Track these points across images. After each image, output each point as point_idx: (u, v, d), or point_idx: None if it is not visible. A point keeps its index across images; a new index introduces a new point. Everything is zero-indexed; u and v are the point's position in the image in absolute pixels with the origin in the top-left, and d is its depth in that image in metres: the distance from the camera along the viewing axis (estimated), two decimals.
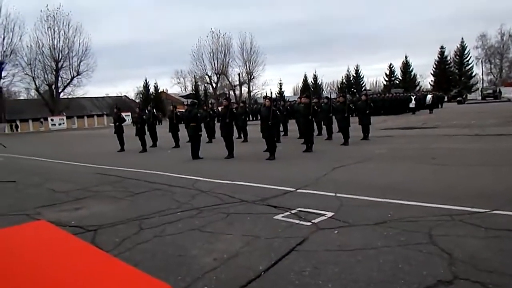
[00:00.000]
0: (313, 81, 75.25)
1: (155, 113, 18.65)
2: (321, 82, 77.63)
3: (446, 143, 11.73)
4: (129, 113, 57.82)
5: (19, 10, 66.19)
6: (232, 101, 17.15)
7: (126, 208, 6.13)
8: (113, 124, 16.66)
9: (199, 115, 12.39)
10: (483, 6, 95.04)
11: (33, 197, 7.35)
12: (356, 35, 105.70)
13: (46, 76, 54.17)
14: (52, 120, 52.49)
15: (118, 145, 15.66)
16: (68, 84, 55.99)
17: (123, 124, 16.01)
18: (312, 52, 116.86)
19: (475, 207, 4.84)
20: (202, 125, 13.84)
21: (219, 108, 20.20)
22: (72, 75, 55.34)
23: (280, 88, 73.53)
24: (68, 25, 53.35)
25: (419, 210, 4.95)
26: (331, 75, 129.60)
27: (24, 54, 51.01)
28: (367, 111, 13.96)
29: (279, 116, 11.28)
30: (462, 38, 66.16)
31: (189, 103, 13.17)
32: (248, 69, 64.63)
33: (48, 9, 51.89)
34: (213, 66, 62.95)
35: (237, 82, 66.13)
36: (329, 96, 17.03)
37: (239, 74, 65.44)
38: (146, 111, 17.08)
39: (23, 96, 63.31)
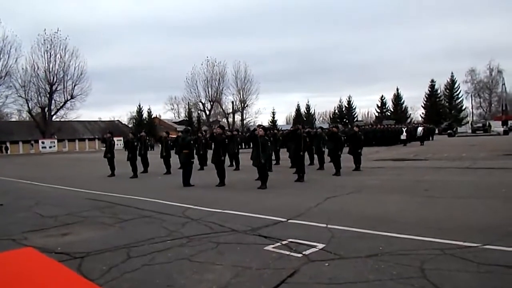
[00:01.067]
0: (306, 111, 76.05)
1: (147, 139, 18.64)
2: (314, 112, 78.59)
3: (438, 175, 11.80)
4: (121, 138, 57.80)
5: (17, 33, 66.80)
6: (225, 128, 17.13)
7: (114, 235, 6.02)
8: (104, 149, 16.62)
9: (191, 142, 12.38)
10: (472, 41, 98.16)
11: (21, 221, 7.21)
12: (349, 66, 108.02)
13: (39, 98, 54.27)
14: (43, 142, 52.12)
15: (109, 170, 15.55)
16: (61, 107, 56.09)
17: (114, 149, 15.95)
18: (305, 81, 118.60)
19: (467, 241, 4.83)
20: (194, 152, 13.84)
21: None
22: (65, 99, 55.53)
23: (273, 117, 74.21)
24: (65, 49, 53.94)
25: (410, 243, 4.92)
26: (323, 105, 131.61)
27: (19, 76, 51.33)
28: (359, 142, 14.10)
29: (270, 146, 11.28)
30: (452, 73, 67.98)
31: (182, 130, 13.21)
32: (241, 97, 65.29)
33: (45, 33, 52.55)
34: (207, 93, 63.57)
35: (231, 110, 66.62)
36: (322, 126, 17.24)
37: (232, 102, 66.07)
38: (138, 137, 17.05)
39: (14, 117, 63.13)
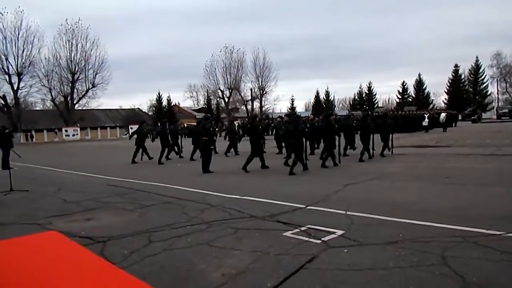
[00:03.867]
0: (325, 97, 75.30)
1: (168, 126, 18.97)
2: (333, 99, 77.82)
3: (461, 163, 11.56)
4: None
5: (39, 23, 68.11)
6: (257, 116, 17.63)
7: (135, 220, 6.14)
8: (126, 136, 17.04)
9: (211, 129, 12.42)
10: (498, 24, 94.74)
11: (45, 206, 7.42)
12: (370, 52, 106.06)
13: (62, 87, 55.23)
14: (66, 131, 53.26)
15: (145, 156, 16.03)
16: (83, 96, 56.97)
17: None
18: (325, 68, 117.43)
19: (490, 229, 4.73)
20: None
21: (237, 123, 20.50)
22: (87, 87, 56.34)
23: (292, 104, 73.84)
24: (86, 38, 54.59)
25: (431, 230, 4.85)
26: (343, 92, 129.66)
27: (42, 66, 52.22)
28: (389, 129, 14.25)
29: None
30: (477, 57, 65.92)
31: (202, 117, 13.32)
32: (260, 84, 65.01)
33: (67, 23, 53.27)
34: (226, 80, 63.47)
35: (249, 97, 66.48)
36: (353, 113, 17.19)
37: (251, 89, 65.83)
38: (159, 125, 17.35)
39: (39, 106, 64.60)
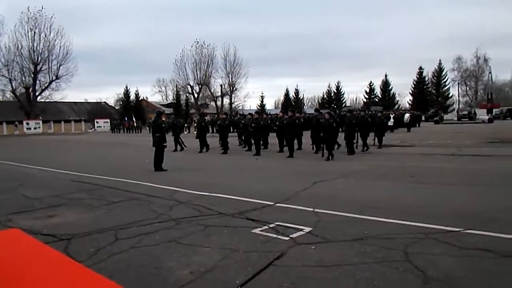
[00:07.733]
0: (294, 95, 76.00)
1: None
2: (303, 97, 78.70)
3: (424, 162, 11.95)
4: (108, 120, 57.03)
5: None
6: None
7: (102, 217, 6.01)
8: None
9: (163, 125, 12.01)
10: (460, 29, 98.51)
11: (5, 203, 7.13)
12: (339, 52, 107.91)
13: (23, 78, 53.16)
14: (27, 123, 51.27)
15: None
16: (46, 87, 54.98)
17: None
18: (295, 66, 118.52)
19: (450, 226, 4.94)
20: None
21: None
22: (50, 79, 54.41)
23: (262, 101, 74.08)
24: (50, 28, 52.67)
25: (395, 227, 5.01)
26: (312, 90, 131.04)
27: (1, 55, 50.07)
28: (384, 126, 16.20)
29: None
30: (440, 60, 68.24)
31: (155, 113, 13.06)
32: (230, 80, 64.78)
33: (29, 11, 51.16)
34: (196, 76, 62.87)
35: (219, 93, 66.13)
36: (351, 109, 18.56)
37: (221, 85, 65.51)
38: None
39: None
